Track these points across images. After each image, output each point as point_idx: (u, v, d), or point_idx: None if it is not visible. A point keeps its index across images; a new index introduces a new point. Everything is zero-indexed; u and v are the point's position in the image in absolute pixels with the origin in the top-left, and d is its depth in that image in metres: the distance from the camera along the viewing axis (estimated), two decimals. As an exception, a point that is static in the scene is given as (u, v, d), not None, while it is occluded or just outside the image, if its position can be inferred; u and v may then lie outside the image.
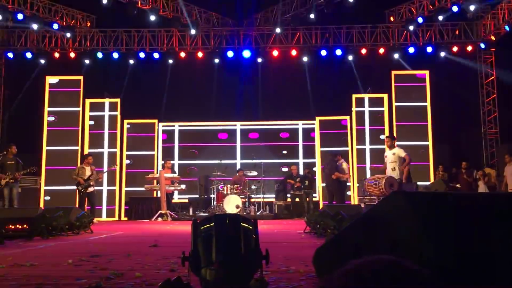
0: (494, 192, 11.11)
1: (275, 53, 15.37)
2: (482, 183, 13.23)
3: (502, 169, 12.98)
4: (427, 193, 3.08)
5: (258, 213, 13.45)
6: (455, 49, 15.26)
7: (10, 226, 6.58)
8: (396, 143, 9.73)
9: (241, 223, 1.91)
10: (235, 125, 16.01)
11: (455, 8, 13.96)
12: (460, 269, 1.22)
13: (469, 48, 15.30)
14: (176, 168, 15.30)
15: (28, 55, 15.18)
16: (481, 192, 11.10)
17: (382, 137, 14.11)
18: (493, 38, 15.09)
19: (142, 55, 15.47)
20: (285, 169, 15.42)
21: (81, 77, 15.05)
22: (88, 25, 15.44)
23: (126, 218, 14.34)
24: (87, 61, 15.45)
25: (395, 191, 4.54)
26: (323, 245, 1.97)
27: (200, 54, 15.51)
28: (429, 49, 15.26)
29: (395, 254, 1.52)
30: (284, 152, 15.84)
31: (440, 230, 1.48)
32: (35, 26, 14.42)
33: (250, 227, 1.94)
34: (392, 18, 15.41)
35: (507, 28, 14.39)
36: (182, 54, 15.52)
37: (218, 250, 1.83)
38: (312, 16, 14.47)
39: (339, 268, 1.36)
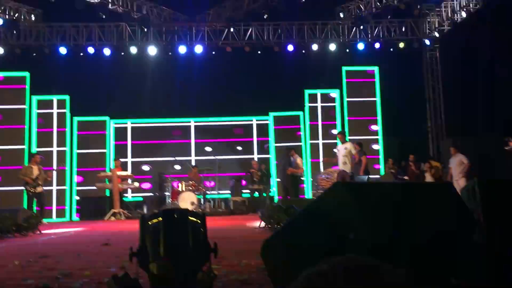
0: (419, 182, 11.57)
1: (228, 49, 15.34)
2: (429, 175, 13.75)
3: (447, 161, 13.56)
4: (364, 183, 3.20)
5: (213, 210, 13.44)
6: (401, 45, 15.76)
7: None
8: (347, 137, 9.98)
9: (189, 218, 1.92)
10: (189, 122, 15.90)
11: (401, 6, 14.44)
12: (389, 248, 1.30)
13: (415, 44, 15.84)
14: (129, 166, 15.06)
15: (-30, 50, 14.49)
16: (411, 181, 11.65)
17: (334, 131, 14.43)
18: (437, 34, 15.70)
19: (91, 50, 15.06)
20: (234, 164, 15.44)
21: (27, 74, 14.51)
22: (33, 19, 14.86)
23: (78, 218, 13.99)
24: (33, 57, 14.87)
25: (336, 182, 4.68)
26: (270, 236, 2.02)
27: (151, 50, 15.27)
28: (377, 45, 15.70)
29: (335, 240, 1.59)
30: (239, 148, 15.88)
31: (374, 216, 1.56)
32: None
33: (198, 221, 1.96)
34: (341, 15, 15.73)
35: (449, 25, 15.00)
36: (133, 49, 15.23)
37: (166, 245, 1.84)
38: (265, 16, 14.54)
39: (296, 272, 1.36)
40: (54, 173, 13.17)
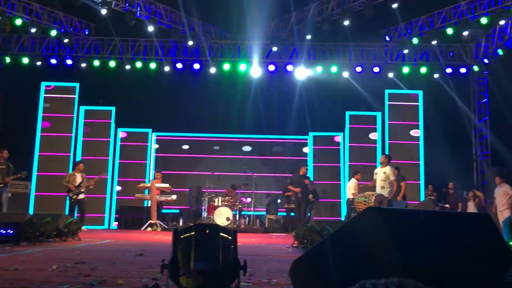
0: (456, 211, 11.21)
1: (271, 67, 15.46)
2: (472, 204, 13.32)
3: (491, 191, 13.08)
4: (399, 209, 3.15)
5: (248, 226, 13.44)
6: (448, 70, 15.43)
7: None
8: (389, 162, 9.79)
9: (220, 233, 1.95)
10: (229, 138, 16.06)
11: (449, 31, 14.17)
12: (419, 275, 1.29)
13: (463, 70, 15.48)
14: (169, 178, 15.31)
15: (25, 60, 15.21)
16: (448, 210, 11.29)
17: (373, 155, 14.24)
18: (486, 61, 15.30)
19: (138, 64, 15.52)
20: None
21: (77, 84, 15.12)
22: (87, 33, 15.51)
23: (116, 227, 14.30)
24: (83, 68, 15.47)
25: (370, 206, 4.59)
26: (299, 257, 2.01)
27: (196, 65, 15.60)
28: (423, 70, 15.42)
29: (369, 264, 1.58)
30: (277, 166, 15.88)
31: (406, 242, 1.55)
32: (33, 31, 14.48)
33: (229, 237, 1.98)
34: (387, 38, 15.59)
35: (500, 51, 14.60)
36: (179, 65, 15.59)
37: (197, 259, 1.87)
38: (308, 37, 14.58)
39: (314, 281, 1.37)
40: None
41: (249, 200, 14.17)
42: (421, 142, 14.87)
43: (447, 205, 13.10)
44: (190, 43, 15.09)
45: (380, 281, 1.23)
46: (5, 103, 15.70)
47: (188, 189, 14.98)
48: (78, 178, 11.52)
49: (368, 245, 1.64)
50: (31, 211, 13.34)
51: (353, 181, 12.03)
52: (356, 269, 1.64)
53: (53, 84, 15.23)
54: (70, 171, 12.76)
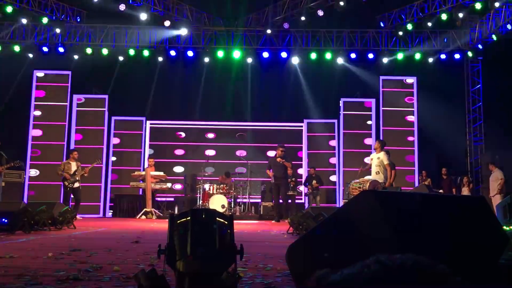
0: (451, 194, 11.33)
1: (265, 54, 15.39)
2: (466, 189, 13.44)
3: (485, 177, 13.18)
4: (394, 192, 3.17)
5: (243, 214, 13.49)
6: (443, 56, 15.42)
7: None
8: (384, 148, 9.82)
9: (217, 218, 1.95)
10: (223, 125, 16.03)
11: (444, 16, 14.13)
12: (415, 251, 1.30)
13: (457, 56, 15.48)
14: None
15: (16, 48, 15.03)
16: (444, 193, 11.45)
17: (367, 141, 14.28)
18: (480, 46, 15.28)
19: (131, 52, 15.38)
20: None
21: (69, 72, 15.00)
22: (78, 20, 15.32)
23: (110, 215, 14.31)
24: (75, 56, 15.32)
25: (365, 190, 4.62)
26: (295, 241, 2.02)
27: (190, 53, 15.49)
28: (417, 56, 15.40)
29: (365, 247, 1.58)
30: (271, 153, 15.88)
31: (402, 225, 1.55)
32: (24, 20, 14.30)
33: (226, 222, 1.98)
34: (382, 24, 15.53)
35: (494, 37, 14.59)
36: (172, 52, 15.48)
37: (193, 243, 1.87)
38: (303, 18, 14.51)
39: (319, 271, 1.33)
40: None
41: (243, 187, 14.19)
42: (416, 128, 14.91)
43: (440, 191, 13.19)
44: (184, 31, 14.97)
45: (395, 256, 1.23)
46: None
47: (182, 177, 14.99)
48: (73, 166, 11.49)
49: (364, 228, 1.65)
50: (25, 200, 13.31)
51: None
52: (352, 251, 1.65)
53: (45, 72, 15.09)
54: (65, 160, 12.72)
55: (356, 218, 1.68)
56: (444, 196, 3.99)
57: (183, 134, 15.94)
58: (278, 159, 11.88)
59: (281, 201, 12.01)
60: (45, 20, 14.56)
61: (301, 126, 15.74)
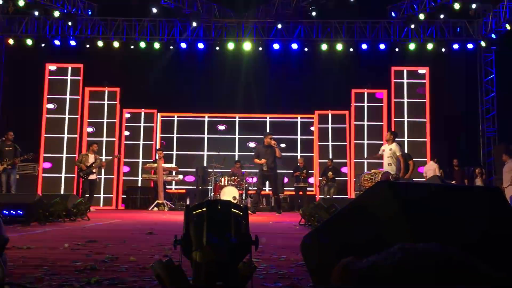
0: (465, 185, 11.23)
1: (276, 46, 15.34)
2: (479, 180, 13.34)
3: (498, 168, 13.05)
4: (408, 183, 3.17)
5: (254, 205, 13.50)
6: (455, 46, 15.26)
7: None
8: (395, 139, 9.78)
9: (232, 209, 1.97)
10: (234, 117, 16.05)
11: (456, 6, 13.97)
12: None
13: (470, 46, 15.30)
14: (174, 159, 15.38)
15: (29, 42, 15.15)
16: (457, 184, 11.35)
17: (379, 132, 14.21)
18: (493, 36, 15.09)
19: (142, 45, 15.42)
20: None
21: (81, 65, 15.10)
22: (90, 13, 15.39)
23: (123, 207, 14.45)
24: (87, 49, 15.39)
25: (380, 181, 4.60)
26: (310, 232, 2.03)
27: (200, 45, 15.49)
28: (429, 46, 15.25)
29: (379, 239, 1.59)
30: (283, 145, 15.89)
31: (417, 216, 1.56)
32: (36, 13, 14.39)
33: (241, 213, 2.00)
34: (393, 14, 15.39)
35: (507, 26, 14.39)
36: (183, 45, 15.49)
37: (209, 234, 1.89)
38: (313, 10, 14.43)
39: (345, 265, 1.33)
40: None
41: (255, 179, 14.20)
42: (428, 119, 14.81)
43: (453, 182, 13.13)
44: (194, 23, 14.97)
45: (418, 245, 1.24)
46: (10, 85, 15.72)
47: (194, 169, 15.06)
48: (91, 158, 11.60)
49: (380, 219, 1.65)
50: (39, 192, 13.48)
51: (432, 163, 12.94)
52: (367, 244, 1.66)
53: (57, 66, 15.21)
54: (83, 152, 12.86)
55: (371, 209, 1.68)
56: (459, 186, 3.98)
57: (194, 126, 15.99)
58: (273, 143, 10.90)
59: (275, 196, 11.82)
60: (56, 13, 14.65)
61: (312, 118, 15.70)
